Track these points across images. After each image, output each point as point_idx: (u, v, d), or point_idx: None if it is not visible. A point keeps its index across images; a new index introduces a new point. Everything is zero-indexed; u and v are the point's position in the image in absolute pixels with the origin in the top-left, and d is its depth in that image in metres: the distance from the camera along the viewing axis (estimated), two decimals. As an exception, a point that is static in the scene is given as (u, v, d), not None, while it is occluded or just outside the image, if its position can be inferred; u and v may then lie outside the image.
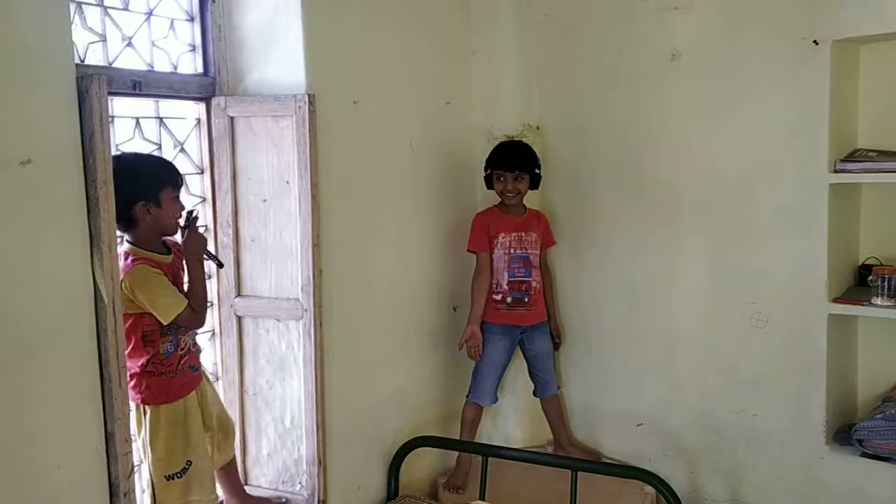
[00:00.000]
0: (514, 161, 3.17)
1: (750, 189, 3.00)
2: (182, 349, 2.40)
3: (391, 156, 3.06)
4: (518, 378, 3.47)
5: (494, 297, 3.21)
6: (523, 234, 3.22)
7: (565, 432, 3.42)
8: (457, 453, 3.26)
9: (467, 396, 3.27)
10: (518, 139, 3.34)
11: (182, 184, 2.39)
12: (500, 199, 3.23)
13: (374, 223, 2.98)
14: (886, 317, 2.78)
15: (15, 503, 1.90)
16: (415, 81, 3.16)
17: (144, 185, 2.27)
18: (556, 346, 3.41)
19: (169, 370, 2.36)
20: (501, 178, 3.16)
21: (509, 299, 3.20)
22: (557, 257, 3.52)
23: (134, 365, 2.29)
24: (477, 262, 3.21)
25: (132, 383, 2.29)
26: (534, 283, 3.24)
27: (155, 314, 2.28)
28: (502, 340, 3.21)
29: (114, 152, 2.15)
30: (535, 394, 3.37)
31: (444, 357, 3.36)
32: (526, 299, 3.22)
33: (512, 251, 3.20)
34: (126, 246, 2.30)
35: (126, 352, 2.15)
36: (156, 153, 2.57)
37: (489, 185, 3.24)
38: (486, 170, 3.23)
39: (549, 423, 3.41)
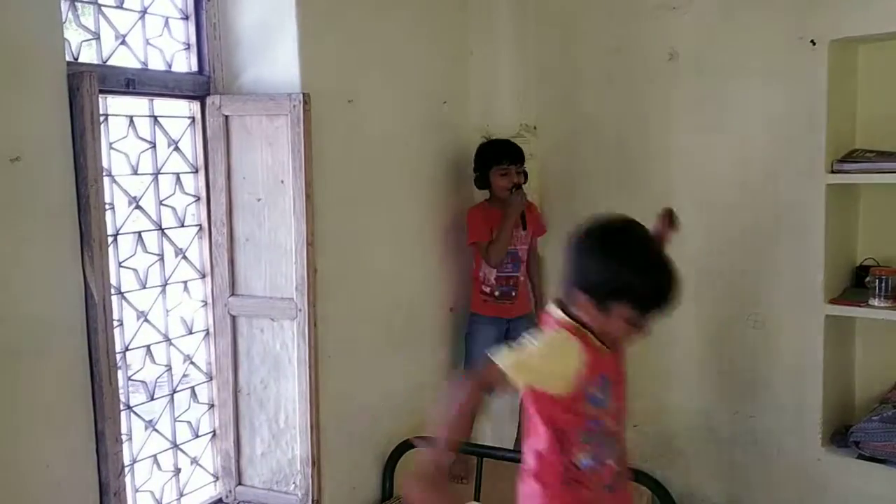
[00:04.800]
0: (519, 154, 3.23)
1: (747, 189, 2.99)
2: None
3: (387, 155, 3.05)
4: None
5: (483, 288, 3.28)
6: (515, 230, 3.23)
7: None
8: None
9: None
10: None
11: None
12: (489, 196, 3.28)
13: (370, 222, 2.97)
14: (884, 318, 2.78)
15: (3, 502, 1.89)
16: (411, 81, 3.15)
17: None
18: None
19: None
20: (505, 173, 3.19)
21: (497, 293, 3.27)
22: (553, 257, 3.51)
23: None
24: (478, 252, 3.24)
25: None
26: (521, 278, 3.31)
27: None
28: (489, 331, 3.27)
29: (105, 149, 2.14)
30: None
31: (439, 357, 3.36)
32: (513, 293, 3.29)
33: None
34: None
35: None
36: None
37: (483, 185, 3.26)
38: (479, 168, 3.26)
39: (521, 420, 3.39)
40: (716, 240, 3.08)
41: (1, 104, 1.85)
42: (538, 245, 3.45)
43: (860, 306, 2.81)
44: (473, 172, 3.29)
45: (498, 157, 3.22)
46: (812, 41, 2.77)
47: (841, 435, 2.92)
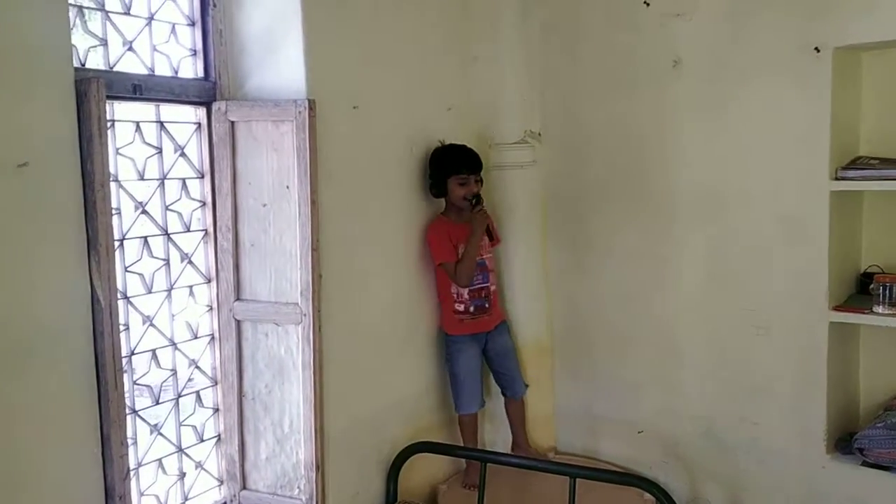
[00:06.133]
0: (478, 162, 3.17)
1: (751, 196, 2.99)
2: None
3: (392, 161, 3.06)
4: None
5: (457, 307, 3.20)
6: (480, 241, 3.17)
7: (524, 434, 3.42)
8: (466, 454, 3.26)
9: (456, 411, 3.28)
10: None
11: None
12: (445, 208, 3.22)
13: (374, 228, 2.98)
14: (887, 325, 2.78)
15: (9, 505, 1.91)
16: (416, 87, 3.16)
17: None
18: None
19: None
20: (464, 182, 3.12)
21: (472, 308, 3.20)
22: (558, 264, 3.52)
23: None
24: (448, 273, 3.16)
25: None
26: (491, 288, 3.26)
27: None
28: (472, 348, 3.23)
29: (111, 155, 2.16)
30: (504, 394, 3.38)
31: (443, 363, 3.35)
32: (487, 305, 3.24)
33: None
34: None
35: None
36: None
37: (440, 193, 3.18)
38: (435, 176, 3.16)
39: (511, 424, 3.41)
40: (720, 246, 3.08)
41: (9, 109, 1.86)
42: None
43: (864, 313, 2.80)
44: (429, 180, 3.18)
45: (457, 165, 3.13)
46: (816, 48, 2.77)
47: (845, 442, 2.91)
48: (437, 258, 3.16)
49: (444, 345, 3.29)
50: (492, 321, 3.27)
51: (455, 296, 3.20)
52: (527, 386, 3.41)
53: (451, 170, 3.13)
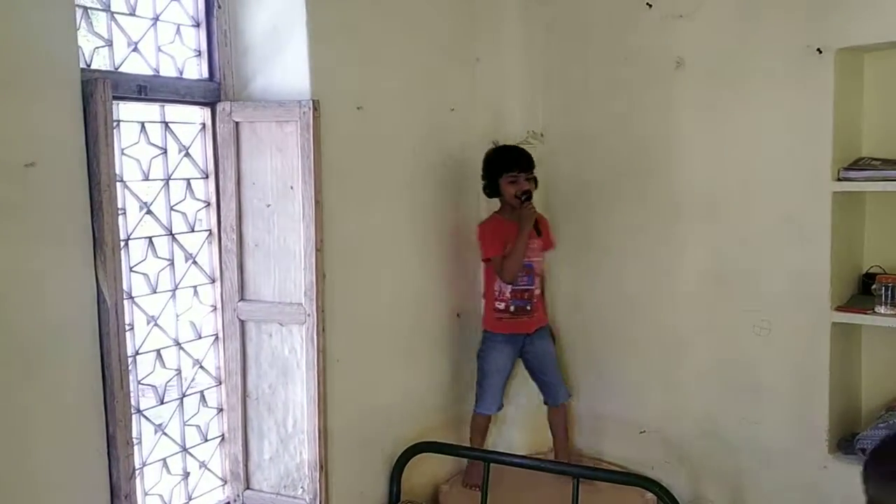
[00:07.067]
0: (528, 161, 3.17)
1: (753, 197, 3.00)
2: None
3: (395, 161, 3.07)
4: (522, 385, 3.46)
5: (497, 305, 3.19)
6: (529, 241, 3.17)
7: (566, 446, 3.37)
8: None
9: (474, 408, 3.26)
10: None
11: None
12: (500, 207, 3.23)
13: (378, 228, 2.99)
14: (889, 326, 2.78)
15: (14, 503, 1.91)
16: (419, 87, 3.17)
17: None
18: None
19: None
20: (514, 181, 3.13)
21: (512, 308, 3.19)
22: (559, 263, 3.52)
23: None
24: (494, 268, 3.16)
25: None
26: (536, 291, 3.24)
27: None
28: (507, 349, 3.21)
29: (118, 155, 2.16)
30: (546, 402, 3.33)
31: (447, 363, 3.37)
32: (528, 307, 3.21)
33: None
34: None
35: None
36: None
37: (493, 193, 3.21)
38: (488, 177, 3.20)
39: (553, 434, 3.36)
40: (722, 247, 3.09)
41: (17, 110, 1.87)
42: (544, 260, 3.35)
43: (866, 314, 2.80)
44: (482, 180, 3.22)
45: (508, 164, 3.15)
46: (818, 49, 2.78)
47: (847, 442, 2.91)
48: (485, 253, 3.18)
49: (480, 341, 3.29)
50: (531, 324, 3.23)
51: (497, 293, 3.20)
52: (570, 395, 3.37)
53: (503, 168, 3.15)
